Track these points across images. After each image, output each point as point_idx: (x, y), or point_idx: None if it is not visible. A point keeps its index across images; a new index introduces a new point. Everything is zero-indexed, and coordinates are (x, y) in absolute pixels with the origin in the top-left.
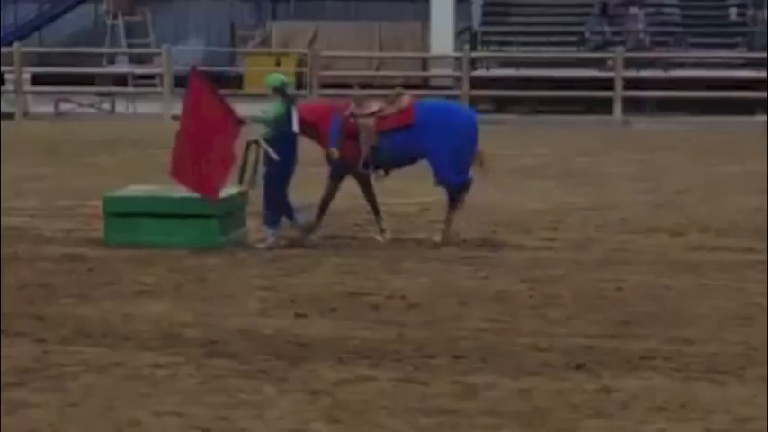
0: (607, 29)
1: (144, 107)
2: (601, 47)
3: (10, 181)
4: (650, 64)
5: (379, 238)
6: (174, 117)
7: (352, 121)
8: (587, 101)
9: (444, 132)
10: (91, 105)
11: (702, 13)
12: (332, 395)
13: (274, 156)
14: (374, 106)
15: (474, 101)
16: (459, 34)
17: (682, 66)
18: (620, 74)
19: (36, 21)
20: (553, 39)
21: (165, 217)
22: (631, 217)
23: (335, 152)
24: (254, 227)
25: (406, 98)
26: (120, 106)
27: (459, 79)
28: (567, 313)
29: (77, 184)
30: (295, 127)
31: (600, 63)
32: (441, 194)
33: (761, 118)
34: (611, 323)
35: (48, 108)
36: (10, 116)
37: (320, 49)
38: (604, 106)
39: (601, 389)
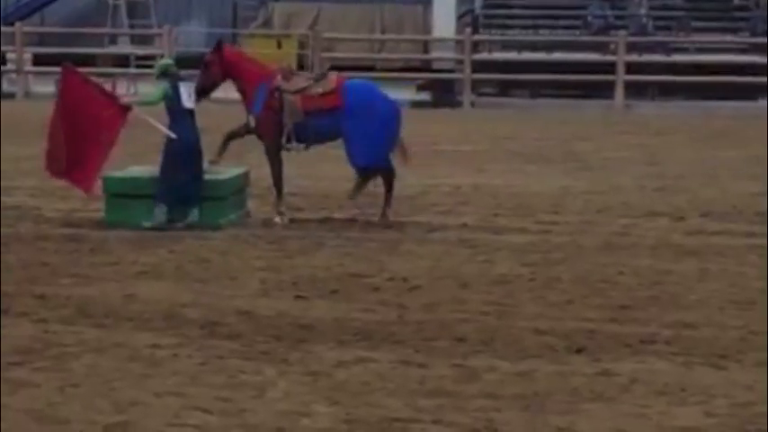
0: (609, 13)
1: (145, 88)
2: (603, 31)
3: (10, 160)
4: (652, 48)
5: (277, 219)
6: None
7: (276, 95)
8: (589, 85)
9: (366, 116)
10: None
11: None
12: (332, 377)
13: (170, 134)
14: (301, 82)
15: (476, 84)
16: (460, 17)
17: (684, 50)
18: (622, 58)
19: (38, 0)
20: (555, 22)
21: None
22: (632, 201)
23: (252, 120)
24: (254, 207)
25: (334, 77)
26: (122, 87)
27: (460, 62)
28: (567, 297)
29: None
30: (186, 102)
31: (602, 47)
32: (442, 178)
33: (763, 103)
34: (611, 307)
35: (49, 88)
36: (11, 96)
37: (322, 31)
38: (606, 90)
39: (601, 372)
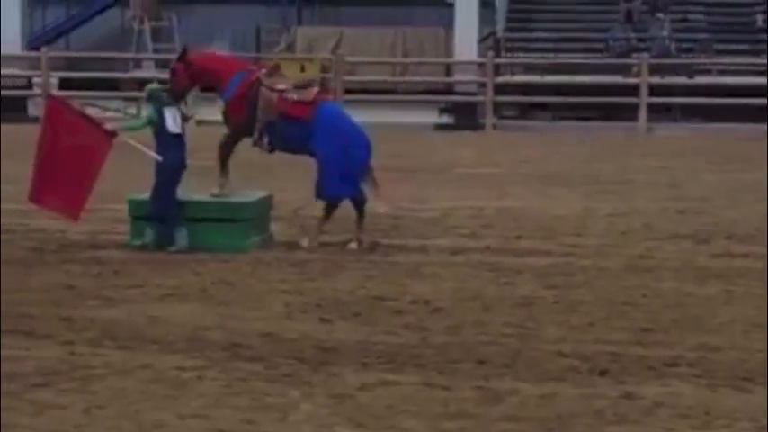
0: (632, 35)
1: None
2: (625, 53)
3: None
4: (675, 70)
5: (215, 190)
6: (200, 122)
7: (255, 86)
8: (612, 107)
9: (340, 143)
10: (117, 110)
11: (728, 20)
12: (355, 399)
13: (156, 157)
14: (282, 84)
15: (498, 107)
16: (482, 40)
17: (707, 72)
18: (645, 80)
19: (64, 25)
20: (577, 45)
21: (191, 220)
22: (655, 224)
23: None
24: (278, 230)
25: (313, 91)
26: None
27: (483, 85)
28: (590, 319)
29: (102, 186)
30: (171, 127)
31: (624, 69)
32: (464, 200)
33: None
34: (634, 330)
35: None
36: (37, 120)
37: (344, 55)
38: (629, 113)
39: (624, 395)
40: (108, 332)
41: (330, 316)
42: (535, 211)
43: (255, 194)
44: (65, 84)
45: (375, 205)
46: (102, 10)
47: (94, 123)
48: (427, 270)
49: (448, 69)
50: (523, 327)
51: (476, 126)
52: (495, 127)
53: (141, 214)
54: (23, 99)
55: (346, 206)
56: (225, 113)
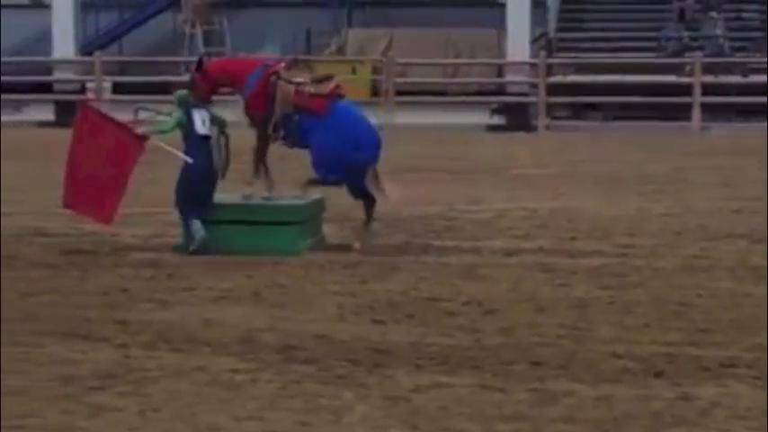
0: (685, 34)
1: (222, 115)
2: (679, 52)
3: None
4: (729, 69)
5: (247, 191)
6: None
7: (273, 79)
8: (665, 107)
9: (349, 141)
10: (169, 113)
11: None
12: (409, 401)
13: (186, 158)
14: (300, 77)
15: (550, 107)
16: (535, 40)
17: (761, 71)
18: (699, 79)
19: (117, 30)
20: (630, 44)
21: (245, 224)
22: (710, 223)
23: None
24: (330, 232)
25: (330, 85)
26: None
27: (535, 86)
28: (645, 320)
29: (155, 190)
30: (199, 129)
31: (678, 69)
32: (517, 201)
33: None
34: (690, 330)
35: (127, 116)
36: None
37: (395, 57)
38: (682, 112)
39: (680, 396)
40: (162, 335)
41: (383, 318)
42: (589, 211)
43: (307, 197)
44: (117, 88)
45: (388, 197)
46: (155, 14)
47: (125, 128)
48: (481, 271)
49: (500, 70)
50: (578, 328)
51: (528, 127)
52: (547, 128)
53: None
54: (76, 103)
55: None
56: (247, 112)
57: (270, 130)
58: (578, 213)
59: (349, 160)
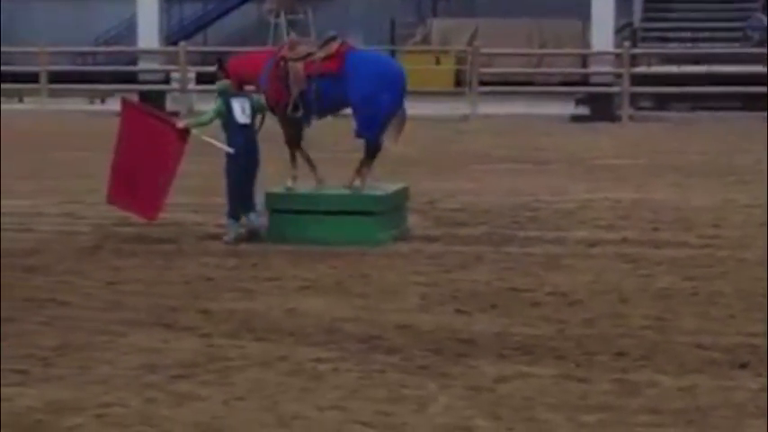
0: None
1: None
2: (763, 42)
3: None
4: None
5: (289, 183)
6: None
7: (282, 63)
8: (749, 97)
9: (372, 84)
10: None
11: None
12: (493, 391)
13: (227, 149)
14: (305, 49)
15: (634, 98)
16: (619, 31)
17: None
18: None
19: (201, 20)
20: (714, 35)
21: (327, 214)
22: None
23: (263, 96)
24: (414, 223)
25: (336, 44)
26: None
27: (619, 76)
28: (729, 311)
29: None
30: (239, 118)
31: (762, 59)
32: (601, 192)
33: None
34: None
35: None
36: (175, 114)
37: (480, 47)
38: (767, 102)
39: (764, 388)
40: (246, 324)
41: (467, 308)
42: (673, 202)
43: (391, 187)
44: (202, 78)
45: (386, 141)
46: (240, 4)
47: (167, 123)
48: (564, 262)
49: (584, 60)
50: (661, 319)
51: (612, 117)
52: (631, 118)
53: (279, 207)
54: (162, 93)
55: (486, 196)
56: (269, 103)
57: (289, 109)
58: (662, 204)
59: (389, 100)
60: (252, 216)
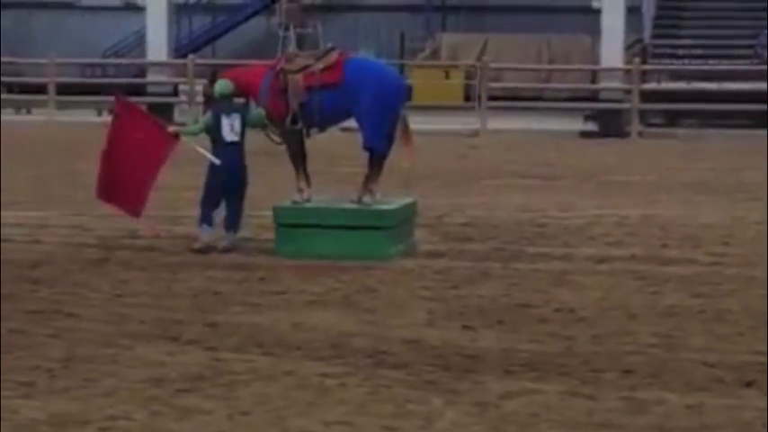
0: None
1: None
2: None
3: (175, 189)
4: None
5: (296, 197)
6: (343, 129)
7: (281, 77)
8: (760, 114)
9: (371, 92)
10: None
11: None
12: (499, 407)
13: (214, 160)
14: (303, 61)
15: (644, 114)
16: (629, 47)
17: None
18: None
19: (210, 33)
20: (725, 51)
21: (336, 228)
22: None
23: (263, 111)
24: (422, 237)
25: (335, 54)
26: None
27: (629, 92)
28: (737, 329)
29: (248, 193)
30: (226, 135)
31: None
32: (609, 208)
33: None
34: None
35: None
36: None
37: (489, 62)
38: None
39: None
40: (252, 338)
41: (474, 324)
42: (681, 219)
43: (399, 202)
44: None
45: (400, 157)
46: (249, 17)
47: (158, 125)
48: (572, 278)
49: (594, 76)
50: (669, 336)
51: (621, 133)
52: (640, 134)
53: (286, 221)
54: (170, 105)
55: (496, 212)
56: (269, 117)
57: (288, 121)
58: (671, 221)
59: (390, 107)
60: (233, 237)
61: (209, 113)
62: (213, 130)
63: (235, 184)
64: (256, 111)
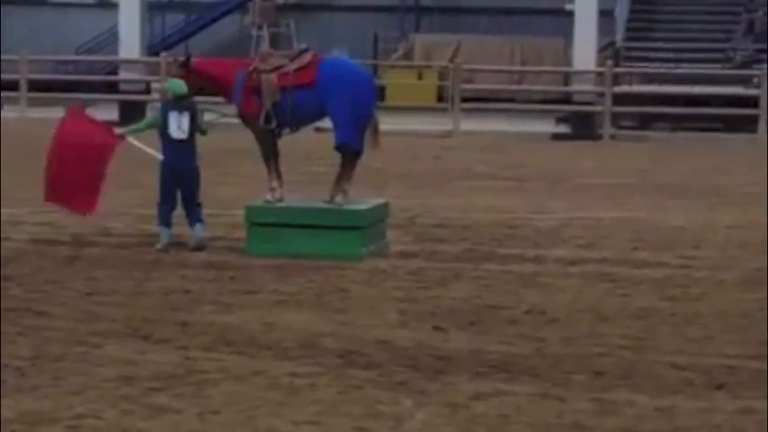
0: (752, 46)
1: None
2: (746, 64)
3: (150, 188)
4: None
5: (268, 196)
6: (318, 129)
7: (254, 76)
8: (731, 118)
9: (344, 91)
10: (234, 115)
11: None
12: (469, 408)
13: (159, 156)
14: (277, 61)
15: (616, 117)
16: (601, 50)
17: None
18: (766, 91)
19: (183, 31)
20: (697, 55)
21: (308, 228)
22: None
23: (235, 108)
24: (394, 238)
25: (309, 55)
26: None
27: (601, 95)
28: (707, 333)
29: (220, 192)
30: (173, 132)
31: (745, 80)
32: (581, 210)
33: None
34: (752, 343)
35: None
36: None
37: (462, 63)
38: (749, 124)
39: (742, 410)
40: (223, 337)
41: (445, 325)
42: (653, 222)
43: (371, 202)
44: None
45: (373, 158)
46: (222, 16)
47: (103, 126)
48: (543, 280)
49: (566, 79)
50: (640, 339)
51: (593, 136)
52: (612, 137)
53: (258, 221)
54: (143, 103)
55: (469, 213)
56: (242, 116)
57: (261, 120)
58: (642, 224)
59: (363, 105)
60: (198, 231)
61: (156, 112)
62: (161, 127)
63: (184, 180)
64: (204, 118)
